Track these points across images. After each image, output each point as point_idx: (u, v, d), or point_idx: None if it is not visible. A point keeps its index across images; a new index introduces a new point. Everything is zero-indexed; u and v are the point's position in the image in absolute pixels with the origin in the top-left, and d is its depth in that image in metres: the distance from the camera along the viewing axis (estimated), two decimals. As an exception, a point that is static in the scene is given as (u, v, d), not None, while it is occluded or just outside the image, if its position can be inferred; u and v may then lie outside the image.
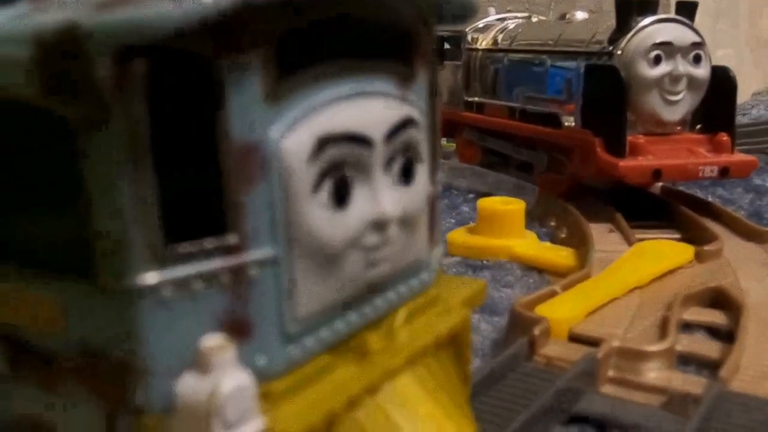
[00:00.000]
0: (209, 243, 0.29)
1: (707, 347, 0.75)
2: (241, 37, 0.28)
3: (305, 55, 0.31)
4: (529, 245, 1.08)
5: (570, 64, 1.33)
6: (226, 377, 0.28)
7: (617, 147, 1.16)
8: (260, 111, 0.30)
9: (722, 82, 1.22)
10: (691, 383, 0.66)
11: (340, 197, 0.32)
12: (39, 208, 0.31)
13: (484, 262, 1.05)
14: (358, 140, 0.33)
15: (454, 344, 0.42)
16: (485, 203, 1.13)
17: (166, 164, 0.28)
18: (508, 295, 0.93)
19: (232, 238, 0.30)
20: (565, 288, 0.84)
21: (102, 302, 0.29)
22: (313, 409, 0.31)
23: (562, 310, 0.77)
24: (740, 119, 1.73)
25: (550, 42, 1.43)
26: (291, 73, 0.31)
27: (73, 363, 0.30)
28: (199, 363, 0.29)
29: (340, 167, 0.32)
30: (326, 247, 0.32)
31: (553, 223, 1.24)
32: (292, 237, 0.31)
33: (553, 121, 1.34)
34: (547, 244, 1.13)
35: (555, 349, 0.72)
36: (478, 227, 1.11)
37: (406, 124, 0.36)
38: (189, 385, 0.29)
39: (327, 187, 0.32)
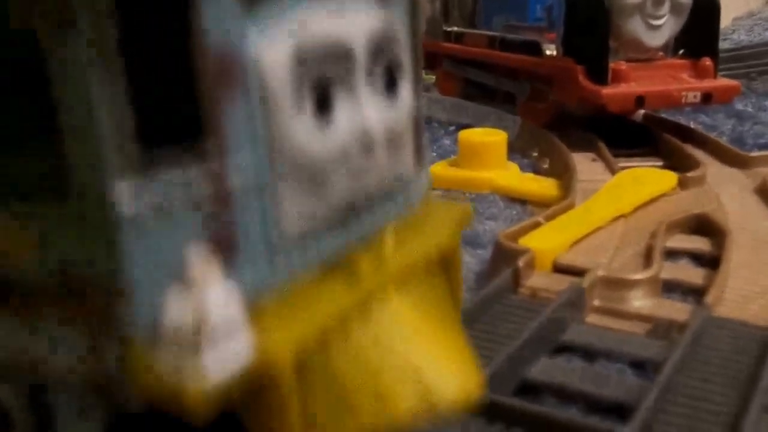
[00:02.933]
0: (188, 155, 0.28)
1: (692, 274, 0.75)
2: None
3: None
4: (511, 176, 1.07)
5: (551, -11, 1.30)
6: (211, 292, 0.27)
7: (600, 74, 1.14)
8: (235, 18, 0.28)
9: (705, 6, 1.20)
10: (677, 310, 0.66)
11: (324, 110, 0.31)
12: (9, 141, 0.30)
13: (467, 194, 1.04)
14: (340, 50, 0.32)
15: (444, 265, 0.41)
16: (466, 135, 1.11)
17: (138, 72, 0.26)
18: (492, 228, 0.92)
19: (210, 146, 0.28)
20: (549, 218, 0.83)
21: (79, 222, 0.27)
22: (304, 327, 0.31)
23: (547, 241, 0.77)
24: (721, 44, 1.70)
25: (529, -33, 1.39)
26: None
27: (55, 293, 0.29)
28: (183, 280, 0.28)
29: (322, 78, 0.31)
30: (311, 161, 0.31)
31: (535, 154, 1.23)
32: (274, 150, 0.30)
33: (534, 49, 1.32)
34: (530, 174, 1.12)
35: (540, 280, 0.72)
36: (460, 160, 1.10)
37: (387, 35, 0.35)
38: (174, 304, 0.27)
39: (309, 99, 0.31)
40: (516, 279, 0.71)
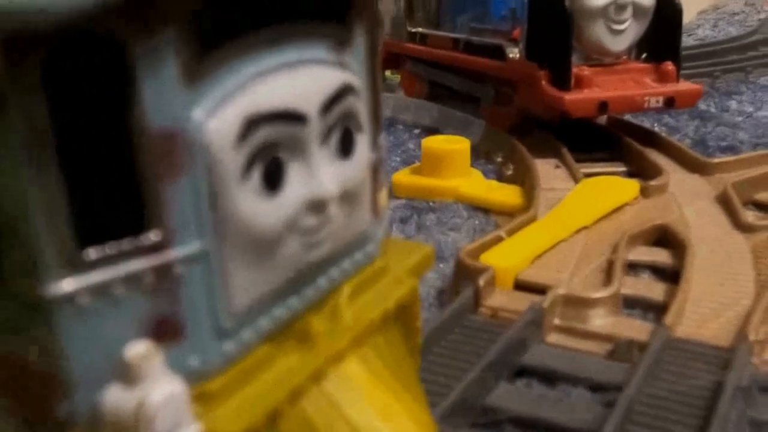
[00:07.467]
0: (129, 243, 0.26)
1: (652, 289, 0.74)
2: (150, 14, 0.25)
3: (225, 28, 0.28)
4: (474, 185, 1.06)
5: (514, -8, 1.29)
6: (155, 387, 0.26)
7: (562, 80, 1.14)
8: (178, 94, 0.27)
9: (667, 10, 1.20)
10: (637, 329, 0.66)
11: (273, 181, 0.30)
12: None
13: (430, 204, 1.04)
14: (291, 117, 0.30)
15: (402, 316, 0.39)
16: (429, 143, 1.10)
17: (74, 159, 0.25)
18: (454, 239, 0.92)
19: (154, 236, 0.27)
20: (511, 233, 0.83)
21: (14, 310, 0.26)
22: (253, 407, 0.29)
23: (508, 258, 0.76)
24: (686, 40, 1.71)
25: (493, -31, 1.38)
26: (211, 49, 0.28)
27: None
28: (125, 373, 0.26)
29: (272, 148, 0.29)
30: (260, 236, 0.29)
31: (499, 159, 1.22)
32: (221, 228, 0.28)
33: (498, 53, 1.31)
34: (493, 182, 1.11)
35: (500, 300, 0.71)
36: (423, 168, 1.09)
37: (343, 92, 0.32)
38: (115, 398, 0.26)
39: (257, 171, 0.29)
40: (477, 298, 0.70)
